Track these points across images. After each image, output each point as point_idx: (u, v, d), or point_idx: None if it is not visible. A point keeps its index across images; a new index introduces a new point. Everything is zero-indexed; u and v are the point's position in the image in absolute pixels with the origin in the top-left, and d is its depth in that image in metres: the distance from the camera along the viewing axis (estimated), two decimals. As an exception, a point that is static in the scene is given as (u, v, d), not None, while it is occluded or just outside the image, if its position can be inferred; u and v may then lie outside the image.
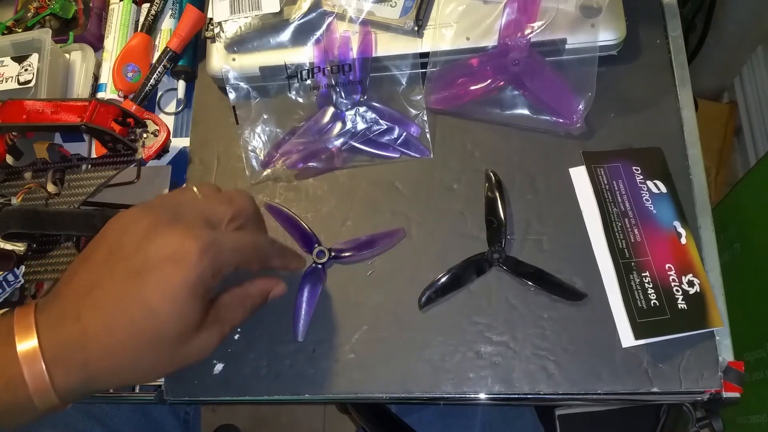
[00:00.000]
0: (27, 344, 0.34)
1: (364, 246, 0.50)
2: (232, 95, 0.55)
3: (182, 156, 0.57)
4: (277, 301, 0.50)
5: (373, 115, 0.53)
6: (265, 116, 0.55)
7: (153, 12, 0.61)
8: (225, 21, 0.54)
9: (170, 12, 0.62)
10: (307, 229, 0.51)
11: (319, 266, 0.50)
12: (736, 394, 0.44)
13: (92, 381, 0.36)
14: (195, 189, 0.41)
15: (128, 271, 0.35)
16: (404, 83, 0.54)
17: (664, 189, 0.49)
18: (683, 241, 0.47)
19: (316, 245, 0.50)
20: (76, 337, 0.35)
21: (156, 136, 0.53)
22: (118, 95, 0.59)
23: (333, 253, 0.50)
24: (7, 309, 0.51)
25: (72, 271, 0.37)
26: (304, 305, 0.49)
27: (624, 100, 0.52)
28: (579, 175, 0.51)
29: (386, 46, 0.53)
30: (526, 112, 0.52)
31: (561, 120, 0.51)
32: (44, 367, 0.34)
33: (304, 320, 0.48)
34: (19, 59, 0.59)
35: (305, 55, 0.53)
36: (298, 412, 1.29)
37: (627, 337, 0.45)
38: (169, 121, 0.59)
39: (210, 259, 0.35)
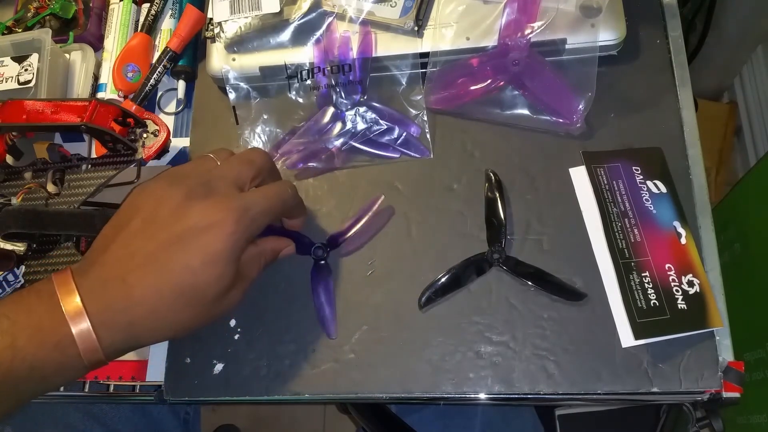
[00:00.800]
0: (73, 306, 0.36)
1: (354, 224, 0.50)
2: (232, 95, 0.55)
3: (182, 156, 0.57)
4: (277, 301, 0.50)
5: (373, 115, 0.53)
6: (265, 116, 0.55)
7: (153, 12, 0.61)
8: (225, 21, 0.54)
9: (170, 12, 0.62)
10: (300, 234, 0.50)
11: (322, 262, 0.50)
12: (736, 394, 0.44)
13: (135, 339, 0.38)
14: (212, 156, 0.44)
15: (170, 239, 0.38)
16: (404, 83, 0.54)
17: (664, 189, 0.49)
18: (683, 241, 0.47)
19: (313, 245, 0.50)
20: (122, 299, 0.37)
21: (156, 136, 0.53)
22: (118, 95, 0.59)
23: (329, 247, 0.50)
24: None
25: (105, 239, 0.40)
26: (325, 305, 0.49)
27: (624, 100, 0.52)
28: (579, 175, 0.51)
29: (386, 46, 0.53)
30: (526, 112, 0.52)
31: (561, 120, 0.51)
32: (90, 326, 0.36)
33: (330, 318, 0.49)
34: (19, 59, 0.59)
35: (305, 55, 0.53)
36: (298, 412, 1.29)
37: (627, 337, 0.45)
38: (169, 121, 0.59)
39: (245, 225, 0.39)
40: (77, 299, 0.36)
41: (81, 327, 0.36)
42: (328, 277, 0.50)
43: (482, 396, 0.46)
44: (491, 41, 0.51)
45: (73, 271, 0.38)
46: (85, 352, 0.36)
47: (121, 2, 0.62)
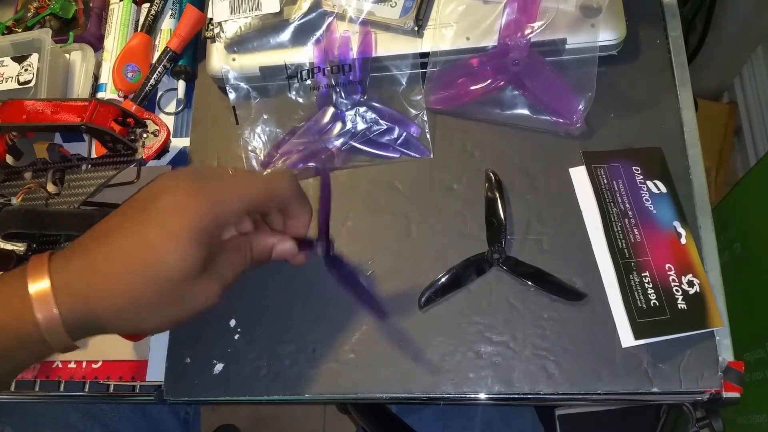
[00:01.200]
0: (36, 272, 0.36)
1: (323, 212, 0.46)
2: (232, 95, 0.55)
3: (182, 156, 0.57)
4: (277, 301, 0.50)
5: (373, 115, 0.53)
6: (265, 116, 0.55)
7: (153, 12, 0.61)
8: (225, 21, 0.54)
9: (170, 12, 0.62)
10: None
11: (331, 254, 0.47)
12: (736, 394, 0.44)
13: (94, 314, 0.37)
14: (229, 169, 0.43)
15: (139, 217, 0.38)
16: (404, 83, 0.54)
17: (664, 189, 0.49)
18: (683, 241, 0.47)
19: (314, 241, 0.47)
20: (81, 266, 0.37)
21: (156, 136, 0.53)
22: (118, 95, 0.59)
23: (326, 242, 0.48)
24: None
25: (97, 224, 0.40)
26: (360, 293, 0.47)
27: (624, 100, 0.52)
28: (579, 175, 0.51)
29: (386, 46, 0.53)
30: (526, 112, 0.52)
31: (561, 120, 0.51)
32: (49, 288, 0.36)
33: (374, 302, 0.47)
34: (19, 59, 0.59)
35: (305, 55, 0.53)
36: (298, 412, 1.29)
37: (627, 337, 0.45)
38: (169, 121, 0.59)
39: (212, 205, 0.38)
40: (44, 268, 0.36)
41: (38, 287, 0.36)
42: (344, 265, 0.48)
43: (482, 396, 0.46)
44: (491, 41, 0.51)
45: (54, 251, 0.38)
46: (43, 321, 0.36)
47: (121, 2, 0.62)
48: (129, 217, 0.38)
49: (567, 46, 0.51)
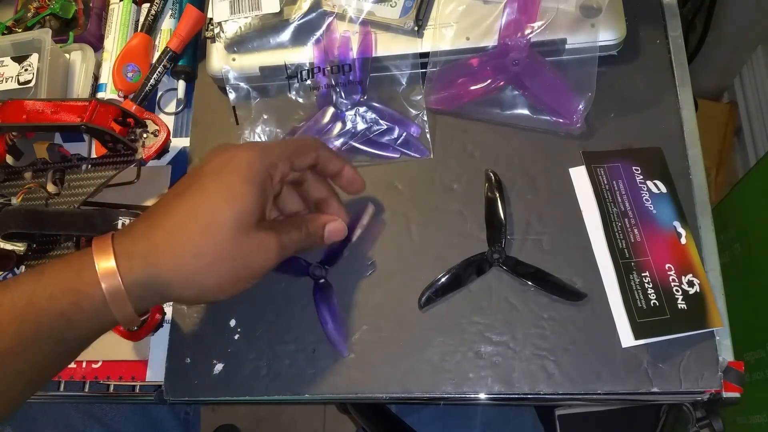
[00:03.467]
0: (101, 243, 0.38)
1: (349, 239, 0.50)
2: (232, 95, 0.55)
3: (182, 156, 0.57)
4: (277, 301, 0.50)
5: (373, 116, 0.53)
6: (265, 116, 0.55)
7: (153, 12, 0.61)
8: (225, 21, 0.54)
9: (170, 12, 0.62)
10: (294, 257, 0.49)
11: (323, 281, 0.49)
12: (736, 394, 0.44)
13: (158, 276, 0.37)
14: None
15: (190, 181, 0.40)
16: (404, 83, 0.54)
17: (664, 189, 0.49)
18: (683, 241, 0.47)
19: (310, 266, 0.49)
20: (142, 227, 0.38)
21: (156, 136, 0.53)
22: (118, 95, 0.59)
23: (326, 265, 0.50)
24: None
25: None
26: (332, 326, 0.48)
27: (624, 100, 0.52)
28: (579, 175, 0.51)
29: (386, 46, 0.53)
30: (526, 112, 0.52)
31: (561, 120, 0.51)
32: (111, 247, 0.37)
33: (339, 338, 0.48)
34: (19, 59, 0.59)
35: (305, 55, 0.53)
36: (298, 412, 1.29)
37: (627, 337, 0.45)
38: (169, 121, 0.59)
39: (259, 153, 0.40)
40: (108, 240, 0.38)
41: (100, 247, 0.37)
42: (331, 296, 0.49)
43: (482, 396, 0.46)
44: (491, 41, 0.51)
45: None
46: (103, 276, 0.36)
47: (121, 2, 0.62)
48: (181, 184, 0.40)
49: (567, 46, 0.51)
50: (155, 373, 0.50)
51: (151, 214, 0.39)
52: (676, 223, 0.48)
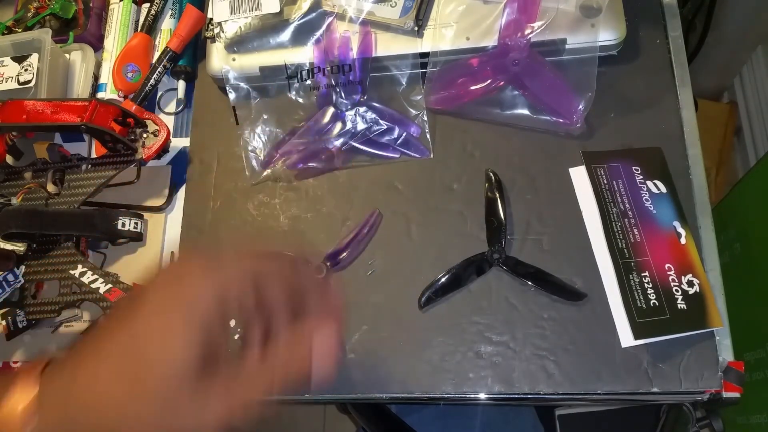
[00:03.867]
0: (24, 394, 0.31)
1: (352, 242, 0.50)
2: (232, 95, 0.55)
3: (182, 156, 0.57)
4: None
5: (373, 115, 0.53)
6: (265, 116, 0.55)
7: (153, 12, 0.61)
8: (225, 21, 0.54)
9: (170, 12, 0.62)
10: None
11: None
12: (736, 394, 0.44)
13: (74, 425, 0.31)
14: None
15: (133, 312, 0.31)
16: (404, 83, 0.54)
17: (664, 189, 0.49)
18: (683, 241, 0.47)
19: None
20: (65, 356, 0.32)
21: (156, 136, 0.53)
22: (118, 95, 0.59)
23: (329, 264, 0.50)
24: (7, 309, 0.51)
25: None
26: None
27: (624, 100, 0.52)
28: (579, 175, 0.51)
29: (386, 46, 0.53)
30: (526, 112, 0.52)
31: (561, 120, 0.51)
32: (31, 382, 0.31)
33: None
34: (19, 59, 0.59)
35: (305, 55, 0.53)
36: (298, 412, 1.29)
37: (627, 337, 0.45)
38: (169, 121, 0.59)
39: (213, 287, 0.31)
40: (38, 371, 0.32)
41: (24, 381, 0.31)
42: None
43: (482, 396, 0.46)
44: (491, 41, 0.51)
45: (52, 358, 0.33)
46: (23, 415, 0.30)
47: (121, 2, 0.62)
48: (119, 313, 0.33)
49: (567, 46, 0.51)
50: (155, 373, 0.50)
51: (81, 352, 0.31)
52: (676, 223, 0.48)
